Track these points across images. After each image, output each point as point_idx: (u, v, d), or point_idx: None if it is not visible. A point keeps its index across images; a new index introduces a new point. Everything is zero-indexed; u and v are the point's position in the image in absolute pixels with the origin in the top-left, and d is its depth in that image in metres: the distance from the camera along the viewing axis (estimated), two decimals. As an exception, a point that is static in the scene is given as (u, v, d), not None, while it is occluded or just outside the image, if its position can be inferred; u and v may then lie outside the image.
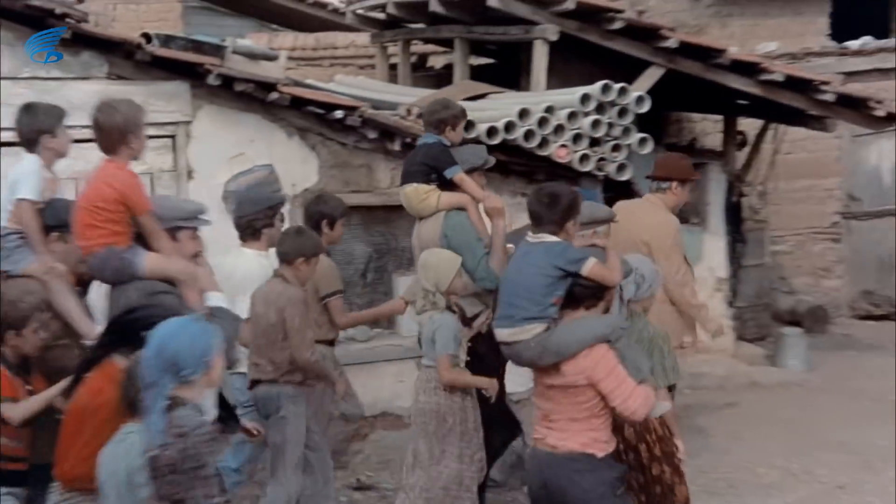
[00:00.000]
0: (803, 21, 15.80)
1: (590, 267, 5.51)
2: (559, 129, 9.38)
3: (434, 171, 7.33)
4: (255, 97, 9.05)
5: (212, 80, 8.84)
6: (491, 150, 9.11)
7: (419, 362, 7.18)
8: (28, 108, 6.47)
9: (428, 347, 6.90)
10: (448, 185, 7.32)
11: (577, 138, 9.46)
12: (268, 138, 9.28)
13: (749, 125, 13.08)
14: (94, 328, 6.06)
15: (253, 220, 7.20)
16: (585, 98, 9.43)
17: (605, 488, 5.54)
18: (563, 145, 9.39)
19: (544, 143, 9.35)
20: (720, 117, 13.29)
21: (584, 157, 9.45)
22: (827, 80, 11.15)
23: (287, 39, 16.78)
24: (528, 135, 9.19)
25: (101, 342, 5.21)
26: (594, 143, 9.50)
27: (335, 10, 17.85)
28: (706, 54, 10.66)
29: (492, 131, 9.15)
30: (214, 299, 5.79)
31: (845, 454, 9.03)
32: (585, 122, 9.42)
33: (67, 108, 8.10)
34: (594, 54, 10.74)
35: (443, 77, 13.78)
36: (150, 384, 4.54)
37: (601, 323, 5.61)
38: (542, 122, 9.31)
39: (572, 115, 9.41)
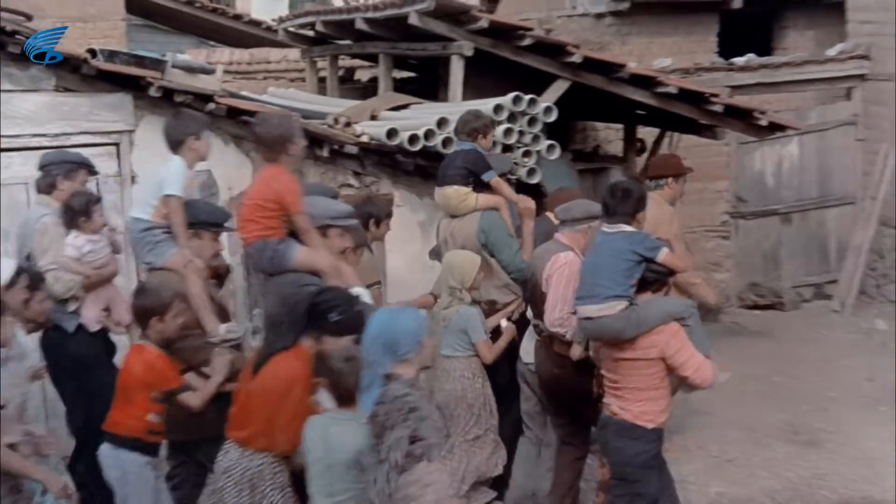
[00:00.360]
0: (694, 39, 15.96)
1: (664, 254, 5.94)
2: (474, 136, 9.38)
3: (472, 174, 7.66)
4: (193, 108, 8.95)
5: (153, 91, 8.75)
6: (412, 155, 9.18)
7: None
8: (176, 114, 6.78)
9: (455, 338, 7.04)
10: (482, 187, 7.61)
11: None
12: (206, 146, 9.19)
13: (647, 133, 13.18)
14: (218, 326, 6.31)
15: None
16: (498, 108, 9.44)
17: (645, 457, 5.96)
18: (479, 151, 9.40)
19: (461, 149, 9.35)
20: (621, 126, 13.38)
21: (496, 162, 9.47)
22: (716, 93, 11.27)
23: (224, 55, 16.66)
24: (446, 142, 9.18)
25: (291, 330, 5.41)
26: (506, 149, 9.51)
27: (268, 28, 17.79)
28: (608, 69, 10.72)
29: (413, 138, 9.15)
30: (356, 292, 5.87)
31: (735, 430, 9.15)
32: (498, 131, 9.43)
33: (16, 119, 8.06)
34: (506, 68, 10.77)
35: (368, 89, 13.76)
36: (370, 363, 5.05)
37: (676, 302, 6.10)
38: (459, 130, 9.32)
39: (487, 124, 9.42)
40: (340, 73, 14.53)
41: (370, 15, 11.68)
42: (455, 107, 9.99)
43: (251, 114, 9.15)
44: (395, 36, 11.78)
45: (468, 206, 7.64)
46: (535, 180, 9.62)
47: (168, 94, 8.81)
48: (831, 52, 14.75)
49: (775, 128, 11.80)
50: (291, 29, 14.59)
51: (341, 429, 5.04)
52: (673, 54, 15.19)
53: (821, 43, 15.95)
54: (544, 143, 9.67)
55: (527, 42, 10.40)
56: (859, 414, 9.69)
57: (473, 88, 10.63)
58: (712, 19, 16.02)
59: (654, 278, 5.95)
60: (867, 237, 14.11)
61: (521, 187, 9.66)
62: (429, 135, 9.15)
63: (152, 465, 5.97)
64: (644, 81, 10.84)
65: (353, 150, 9.42)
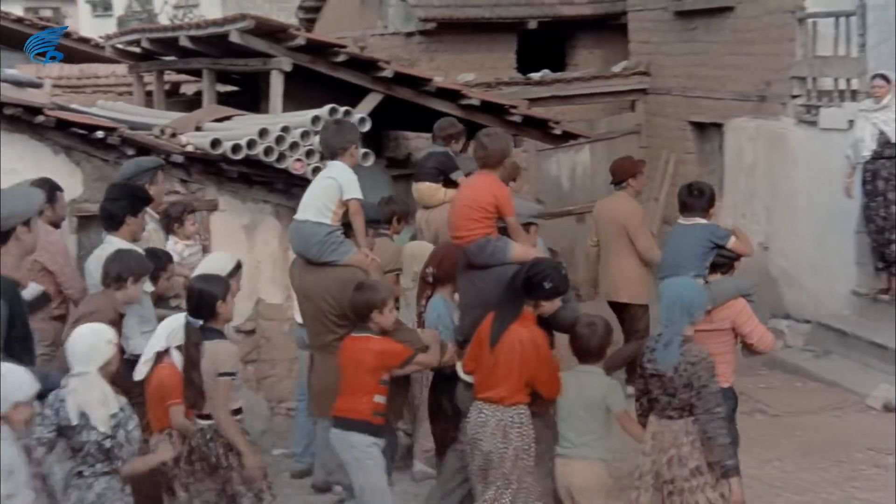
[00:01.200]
0: (495, 57, 16.28)
1: (733, 241, 6.86)
2: (294, 145, 9.31)
3: (442, 173, 8.54)
4: (23, 120, 8.69)
5: (-19, 104, 8.45)
6: (235, 164, 9.08)
7: None
8: (338, 124, 7.12)
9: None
10: (449, 184, 8.39)
11: (309, 153, 9.40)
12: (36, 156, 8.91)
13: (454, 142, 13.33)
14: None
15: None
16: (316, 119, 9.40)
17: (725, 412, 6.24)
18: (298, 159, 9.33)
19: (282, 157, 9.26)
20: (430, 135, 13.49)
21: (316, 170, 9.40)
22: (515, 105, 11.50)
23: (54, 70, 16.14)
24: (268, 151, 9.09)
25: (513, 299, 5.98)
26: (324, 157, 9.50)
27: (97, 45, 17.35)
28: (417, 83, 10.83)
29: (236, 148, 9.01)
30: None
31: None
32: (316, 140, 9.41)
33: None
34: (323, 82, 10.77)
35: (193, 102, 13.56)
36: (669, 323, 5.63)
37: (743, 281, 6.67)
38: (280, 139, 9.22)
39: (305, 134, 9.36)
40: (166, 87, 14.30)
41: (193, 33, 11.52)
42: (275, 118, 9.92)
43: (80, 125, 8.93)
44: (218, 52, 11.64)
45: (438, 199, 8.41)
46: (351, 185, 9.63)
47: (-3, 106, 8.52)
48: (616, 69, 15.24)
49: (568, 136, 12.13)
50: (119, 46, 14.30)
51: (586, 380, 5.89)
52: (476, 70, 15.45)
53: (607, 60, 16.45)
54: (360, 152, 9.68)
55: (342, 58, 10.43)
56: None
57: (293, 101, 10.59)
58: (511, 38, 16.39)
59: (724, 262, 6.70)
60: (651, 234, 14.60)
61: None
62: (251, 144, 9.04)
63: (378, 446, 6.17)
64: (450, 94, 10.98)
65: (180, 159, 9.25)
